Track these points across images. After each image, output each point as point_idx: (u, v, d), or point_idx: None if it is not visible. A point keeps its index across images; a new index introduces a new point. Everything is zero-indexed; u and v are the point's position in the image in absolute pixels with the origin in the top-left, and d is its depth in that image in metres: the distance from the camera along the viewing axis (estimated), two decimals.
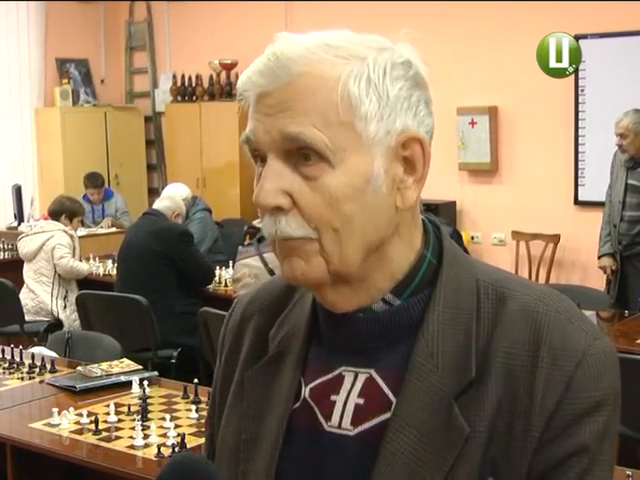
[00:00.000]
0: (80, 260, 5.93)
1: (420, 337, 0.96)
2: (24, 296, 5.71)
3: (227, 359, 1.12)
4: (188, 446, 2.72)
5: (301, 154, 0.92)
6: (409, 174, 0.96)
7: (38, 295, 5.71)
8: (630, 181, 5.26)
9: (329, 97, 0.92)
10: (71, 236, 5.84)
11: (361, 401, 0.97)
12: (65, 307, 5.73)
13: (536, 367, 0.92)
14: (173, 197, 5.52)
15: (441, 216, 6.69)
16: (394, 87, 0.94)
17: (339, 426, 0.98)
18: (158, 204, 5.43)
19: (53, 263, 5.72)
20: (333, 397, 0.99)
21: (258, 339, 1.08)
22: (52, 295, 5.72)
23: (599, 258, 5.50)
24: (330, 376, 1.00)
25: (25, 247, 5.82)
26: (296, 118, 0.92)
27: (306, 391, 1.01)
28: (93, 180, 7.76)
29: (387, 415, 0.95)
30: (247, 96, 0.96)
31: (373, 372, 0.97)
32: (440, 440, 0.92)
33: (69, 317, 5.66)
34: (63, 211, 5.94)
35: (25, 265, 5.85)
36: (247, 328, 1.11)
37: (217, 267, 5.66)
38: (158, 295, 4.95)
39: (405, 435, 0.93)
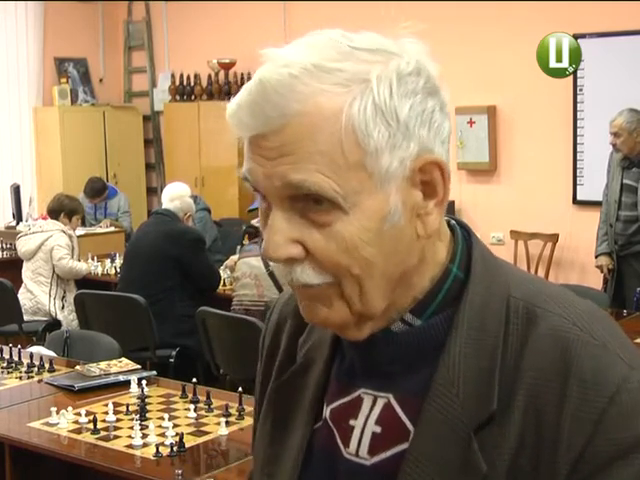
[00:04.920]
0: (78, 260, 5.92)
1: (440, 363, 0.88)
2: (22, 296, 5.70)
3: (266, 362, 1.08)
4: (186, 446, 2.72)
5: (309, 198, 0.84)
6: (429, 198, 0.87)
7: (36, 295, 5.70)
8: (625, 181, 5.27)
9: (332, 136, 0.82)
10: (70, 236, 5.83)
11: (378, 429, 0.92)
12: (63, 307, 5.71)
13: (563, 402, 0.83)
14: (183, 198, 5.37)
15: None
16: (403, 107, 0.84)
17: (356, 454, 0.93)
18: (169, 204, 5.29)
19: (52, 263, 5.71)
20: (352, 422, 0.94)
21: (290, 345, 1.04)
22: (50, 295, 5.70)
23: (596, 257, 5.52)
24: (349, 398, 0.95)
25: (24, 246, 5.81)
26: (298, 164, 0.83)
27: (327, 412, 0.97)
28: (89, 192, 7.56)
29: (404, 446, 0.89)
30: (237, 131, 0.87)
31: (391, 397, 0.92)
32: (457, 477, 0.86)
33: (67, 317, 5.64)
34: (62, 209, 5.92)
35: (24, 264, 5.85)
36: (283, 330, 1.06)
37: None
38: (160, 296, 4.94)
39: (421, 469, 0.87)
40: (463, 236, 0.95)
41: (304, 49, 0.85)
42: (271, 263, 0.91)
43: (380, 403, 0.93)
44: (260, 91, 0.83)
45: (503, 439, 0.85)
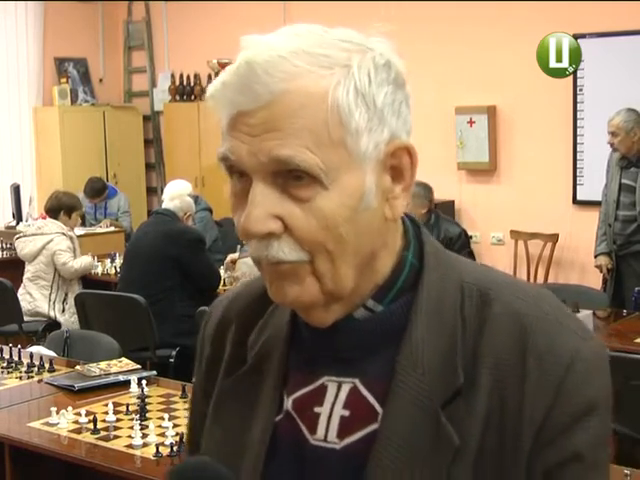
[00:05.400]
0: None
1: (403, 345, 0.92)
2: (21, 297, 5.65)
3: (208, 367, 1.08)
4: None
5: (291, 175, 0.87)
6: (397, 183, 0.92)
7: (35, 299, 5.64)
8: (624, 180, 5.29)
9: (318, 115, 0.86)
10: (70, 237, 5.78)
11: (346, 413, 0.94)
12: (64, 310, 5.64)
13: (524, 374, 0.89)
14: (183, 197, 5.32)
15: None
16: (380, 94, 0.89)
17: (325, 439, 0.94)
18: (169, 204, 5.26)
19: (54, 267, 5.66)
20: (317, 409, 0.96)
21: (237, 346, 1.04)
22: (50, 299, 5.65)
23: (595, 257, 5.53)
24: (312, 387, 0.97)
25: (23, 249, 5.75)
26: (285, 139, 0.86)
27: (288, 403, 0.98)
28: (89, 192, 7.54)
29: (374, 426, 0.92)
30: (219, 110, 0.90)
31: (357, 382, 0.94)
32: (429, 452, 0.89)
33: (68, 320, 5.57)
34: (61, 207, 5.84)
35: (25, 265, 5.81)
36: (227, 334, 1.06)
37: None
38: (160, 296, 4.93)
39: (394, 448, 0.90)
40: (413, 228, 0.99)
41: (288, 37, 0.89)
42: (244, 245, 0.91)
43: (345, 388, 0.95)
44: (248, 71, 0.86)
45: (471, 414, 0.89)
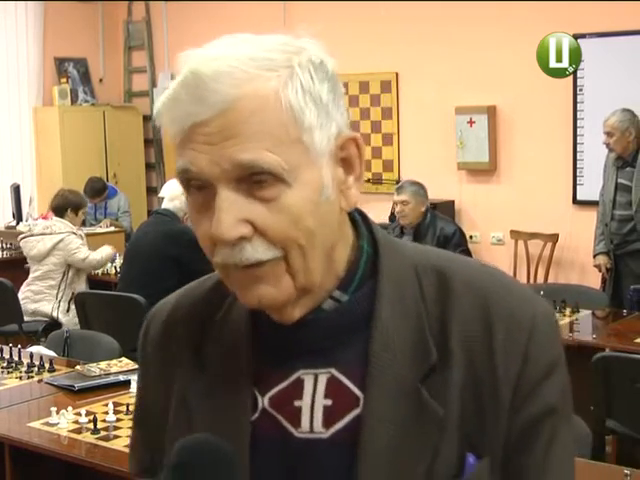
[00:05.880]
0: None
1: (373, 329, 0.96)
2: (22, 297, 5.64)
3: (158, 374, 1.07)
4: None
5: (254, 178, 0.89)
6: (348, 174, 0.95)
7: (39, 299, 5.63)
8: (620, 180, 5.31)
9: (273, 116, 0.89)
10: (80, 236, 5.77)
11: (329, 402, 0.96)
12: (68, 310, 5.61)
13: (492, 342, 0.95)
14: (182, 197, 5.27)
15: None
16: (323, 90, 0.92)
17: (311, 430, 0.96)
18: (169, 204, 5.23)
19: (64, 267, 5.63)
20: (297, 403, 0.97)
21: (192, 351, 1.03)
22: (56, 298, 5.63)
23: (594, 257, 5.54)
24: (288, 382, 0.97)
25: (32, 249, 5.70)
26: (246, 144, 0.88)
27: (265, 401, 0.98)
28: (89, 192, 7.48)
29: (357, 411, 0.95)
30: (170, 125, 0.92)
31: (334, 370, 0.96)
32: (416, 427, 0.93)
33: (71, 320, 5.55)
34: (68, 205, 5.80)
35: (31, 265, 5.79)
36: (174, 339, 1.06)
37: None
38: (159, 296, 4.87)
39: (381, 429, 0.93)
40: (360, 218, 1.02)
41: (228, 46, 0.92)
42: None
43: (322, 379, 0.97)
44: (198, 82, 0.88)
45: (448, 386, 0.94)
